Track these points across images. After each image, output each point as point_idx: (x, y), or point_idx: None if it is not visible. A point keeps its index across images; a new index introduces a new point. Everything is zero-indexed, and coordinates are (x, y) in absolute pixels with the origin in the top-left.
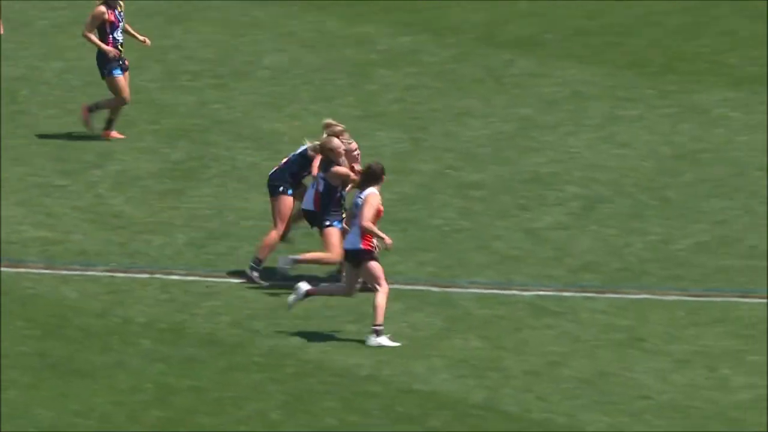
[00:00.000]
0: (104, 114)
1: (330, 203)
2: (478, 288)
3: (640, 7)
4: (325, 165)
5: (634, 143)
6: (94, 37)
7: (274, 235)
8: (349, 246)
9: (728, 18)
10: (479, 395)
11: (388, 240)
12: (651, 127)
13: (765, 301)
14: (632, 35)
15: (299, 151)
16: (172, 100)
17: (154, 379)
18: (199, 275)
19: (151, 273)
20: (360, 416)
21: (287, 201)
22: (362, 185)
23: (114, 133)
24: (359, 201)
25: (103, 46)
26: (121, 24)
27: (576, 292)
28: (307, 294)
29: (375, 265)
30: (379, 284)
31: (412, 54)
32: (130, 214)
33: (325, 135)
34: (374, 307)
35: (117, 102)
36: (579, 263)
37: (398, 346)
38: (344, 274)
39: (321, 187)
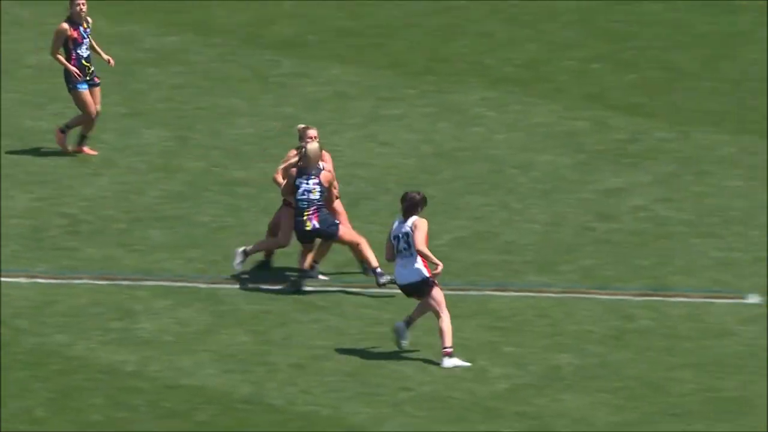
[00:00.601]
0: (77, 130)
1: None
2: (245, 284)
3: (401, 9)
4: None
5: (396, 142)
6: (61, 58)
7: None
8: (414, 278)
9: (485, 20)
10: (245, 389)
11: (440, 266)
12: (412, 126)
13: (519, 294)
14: (393, 36)
15: None
16: None
17: None
18: None
19: None
20: (126, 412)
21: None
22: (405, 214)
23: (87, 149)
24: (406, 230)
25: (70, 67)
26: (85, 40)
27: (341, 287)
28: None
29: (439, 292)
30: (443, 310)
31: (179, 53)
32: None
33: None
34: (442, 332)
35: (84, 117)
36: (343, 259)
37: (165, 342)
38: (416, 309)
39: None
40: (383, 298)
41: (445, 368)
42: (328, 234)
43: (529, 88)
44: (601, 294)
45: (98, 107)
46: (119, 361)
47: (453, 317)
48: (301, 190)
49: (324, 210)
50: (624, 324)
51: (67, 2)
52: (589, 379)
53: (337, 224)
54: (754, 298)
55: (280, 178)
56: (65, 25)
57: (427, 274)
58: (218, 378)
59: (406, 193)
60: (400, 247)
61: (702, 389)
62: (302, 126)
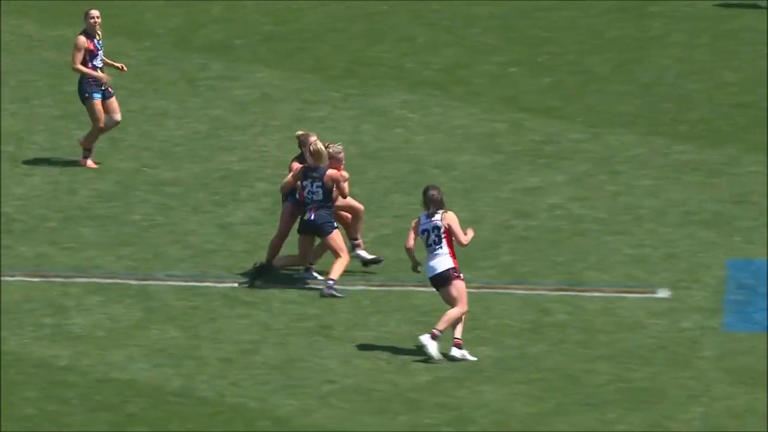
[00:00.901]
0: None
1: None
2: (174, 280)
3: (325, 14)
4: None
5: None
6: (83, 68)
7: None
8: (441, 269)
9: (407, 25)
10: (176, 382)
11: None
12: (336, 128)
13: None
14: (317, 41)
15: None
16: None
17: None
18: None
19: None
20: (59, 405)
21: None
22: (429, 208)
23: (90, 163)
24: (436, 223)
25: (95, 74)
26: (100, 52)
27: (268, 283)
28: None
29: (462, 284)
30: (464, 302)
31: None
32: None
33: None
34: (451, 320)
35: (95, 129)
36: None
37: (97, 337)
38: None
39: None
40: (309, 295)
41: (454, 357)
42: (320, 230)
43: (448, 91)
44: (518, 289)
45: (118, 116)
46: (52, 355)
47: (377, 312)
48: (306, 191)
49: (326, 209)
50: (541, 318)
51: (82, 16)
52: (508, 371)
53: (332, 227)
54: (663, 293)
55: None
56: (83, 38)
57: (453, 265)
58: (149, 372)
59: (427, 188)
60: (430, 241)
61: (615, 380)
62: (302, 133)
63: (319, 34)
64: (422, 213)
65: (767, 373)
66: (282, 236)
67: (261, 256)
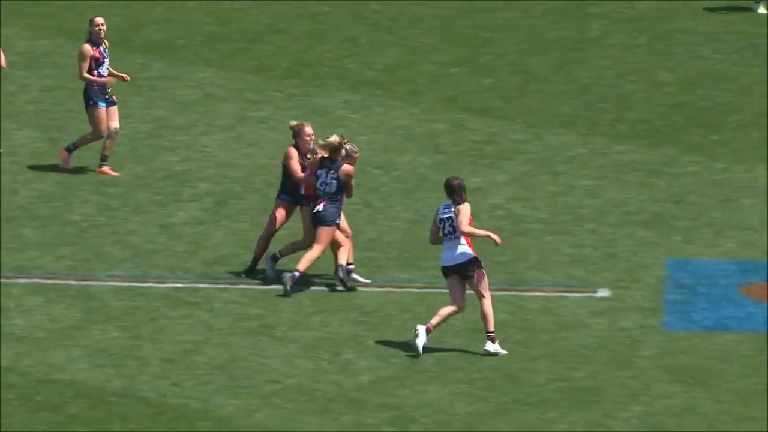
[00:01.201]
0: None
1: None
2: (115, 281)
3: (267, 14)
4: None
5: (262, 143)
6: (90, 76)
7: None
8: (460, 259)
9: (348, 26)
10: (117, 383)
11: (492, 235)
12: (278, 128)
13: (383, 290)
14: (260, 41)
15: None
16: None
17: None
18: None
19: None
20: None
21: (275, 203)
22: (450, 198)
23: (108, 170)
24: (450, 214)
25: (101, 80)
26: (106, 60)
27: (210, 283)
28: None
29: (483, 273)
30: (486, 292)
31: (49, 56)
32: None
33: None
34: (485, 316)
35: (94, 135)
36: (213, 256)
37: (37, 338)
38: (451, 293)
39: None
40: (251, 295)
41: (487, 351)
42: (322, 221)
43: (390, 91)
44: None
45: (117, 124)
46: None
47: (320, 312)
48: (319, 183)
49: (336, 203)
50: None
51: (87, 24)
52: (450, 371)
53: (336, 222)
54: (604, 292)
55: (300, 173)
56: (87, 45)
57: (473, 254)
58: (90, 372)
59: (447, 180)
60: (445, 231)
61: (556, 379)
62: (296, 123)
63: (261, 34)
64: (443, 203)
65: (706, 372)
66: (273, 233)
67: (203, 257)
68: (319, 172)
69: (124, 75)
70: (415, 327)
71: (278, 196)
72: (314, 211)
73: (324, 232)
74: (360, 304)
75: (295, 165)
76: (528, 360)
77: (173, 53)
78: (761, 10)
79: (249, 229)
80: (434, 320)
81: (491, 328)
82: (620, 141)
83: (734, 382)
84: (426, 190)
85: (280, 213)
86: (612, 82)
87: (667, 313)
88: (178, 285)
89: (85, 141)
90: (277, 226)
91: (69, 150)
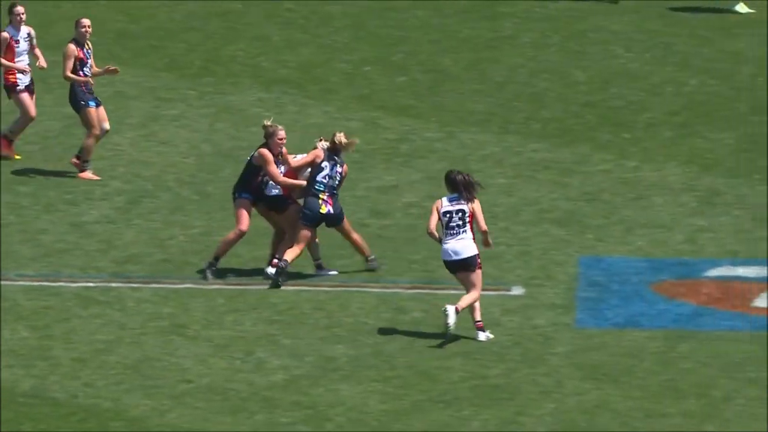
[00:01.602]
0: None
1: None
2: (26, 280)
3: (179, 12)
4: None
5: (175, 141)
6: (73, 76)
7: (232, 235)
8: (468, 253)
9: (261, 24)
10: (27, 383)
11: (490, 242)
12: (191, 126)
13: (297, 288)
14: (172, 39)
15: (246, 161)
16: None
17: None
18: None
19: None
20: None
21: (238, 202)
22: (454, 193)
23: (90, 174)
24: (462, 207)
25: (85, 79)
26: (89, 61)
27: (122, 282)
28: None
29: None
30: (479, 288)
31: None
32: None
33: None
34: (475, 306)
35: (92, 135)
36: (125, 255)
37: None
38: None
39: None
40: (163, 294)
41: (479, 341)
42: (337, 220)
43: (304, 89)
44: (374, 287)
45: (107, 125)
46: None
47: (233, 311)
48: (323, 174)
49: (336, 196)
50: (396, 316)
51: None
52: (363, 369)
53: (344, 214)
54: (517, 290)
55: (282, 177)
56: (72, 46)
57: (477, 251)
58: None
59: (452, 173)
60: (452, 223)
61: (470, 377)
62: (270, 123)
63: (174, 32)
64: (446, 196)
65: (617, 368)
66: (242, 234)
67: (115, 256)
68: (323, 164)
69: (107, 68)
70: (445, 307)
71: (240, 195)
72: (324, 213)
73: (348, 225)
74: (274, 302)
75: (275, 169)
76: (442, 358)
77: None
78: (741, 9)
79: (161, 227)
80: (461, 304)
81: (479, 317)
82: (534, 139)
83: (645, 379)
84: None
85: (246, 213)
86: (525, 80)
87: (579, 310)
88: (90, 284)
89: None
90: (246, 227)
91: (78, 158)
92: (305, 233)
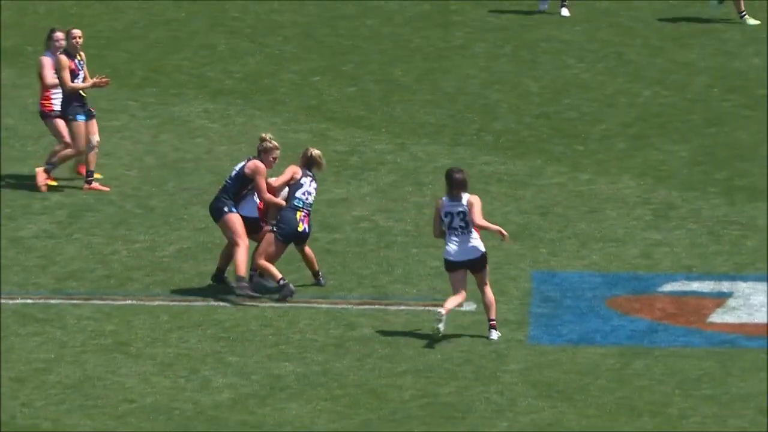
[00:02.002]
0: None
1: None
2: None
3: (121, 20)
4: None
5: (118, 153)
6: (75, 85)
7: (241, 252)
8: (474, 255)
9: (206, 33)
10: None
11: (505, 232)
12: (134, 138)
13: (244, 305)
14: (113, 48)
15: (234, 173)
16: None
17: None
18: None
19: None
20: None
21: (233, 217)
22: (453, 192)
23: (97, 185)
24: (462, 208)
25: (85, 84)
26: (81, 72)
27: (63, 299)
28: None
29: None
30: (488, 284)
31: None
32: None
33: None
34: (492, 304)
35: (71, 151)
36: (65, 271)
37: None
38: (454, 286)
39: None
40: (105, 310)
41: (491, 340)
42: (306, 238)
43: (250, 100)
44: (323, 303)
45: (97, 137)
46: None
47: (178, 328)
48: (302, 190)
49: (310, 216)
50: (346, 332)
51: (63, 35)
52: (312, 387)
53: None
54: (469, 306)
55: (268, 194)
56: (65, 58)
57: (484, 249)
58: None
59: (451, 171)
60: (455, 225)
61: (421, 395)
62: (269, 138)
63: (115, 41)
64: (444, 196)
65: (572, 386)
66: (248, 247)
67: (55, 272)
68: (302, 180)
69: (104, 80)
70: (438, 312)
71: (231, 210)
72: (300, 231)
73: (307, 249)
74: (220, 319)
75: (264, 183)
76: (392, 375)
77: (23, 60)
78: (751, 21)
79: (103, 242)
80: (446, 308)
81: (494, 315)
82: (486, 151)
83: (600, 397)
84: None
85: (242, 225)
86: (477, 91)
87: (533, 326)
88: (29, 301)
89: (61, 157)
90: (247, 240)
91: (48, 171)
92: (276, 251)
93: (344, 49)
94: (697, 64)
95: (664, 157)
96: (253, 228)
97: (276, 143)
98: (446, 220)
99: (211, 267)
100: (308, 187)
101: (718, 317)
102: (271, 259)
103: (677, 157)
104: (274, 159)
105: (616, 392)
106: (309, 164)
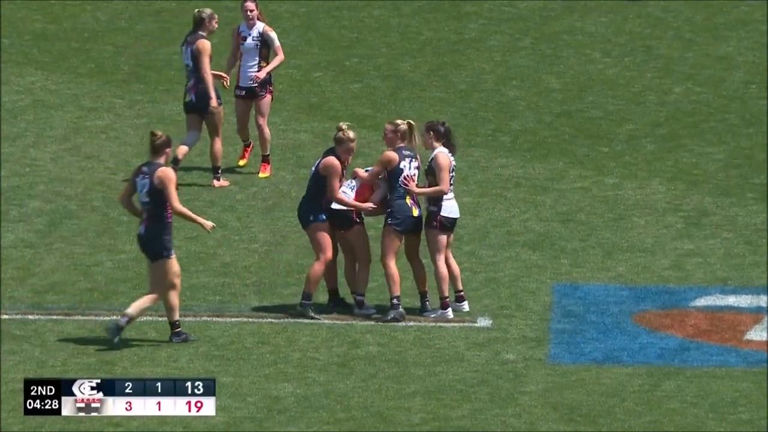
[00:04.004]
0: None
1: None
2: None
3: (106, 11)
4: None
5: (102, 155)
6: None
7: (317, 267)
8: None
9: None
10: None
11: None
12: (120, 138)
13: (238, 320)
14: (97, 41)
15: (312, 172)
16: None
17: None
18: None
19: None
20: None
21: (319, 227)
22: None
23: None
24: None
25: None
26: None
27: (42, 314)
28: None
29: None
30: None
31: None
32: None
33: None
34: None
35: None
36: (45, 283)
37: None
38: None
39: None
40: (88, 327)
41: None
42: (421, 225)
43: None
44: (325, 319)
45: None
46: None
47: (167, 346)
48: (404, 175)
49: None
50: (350, 350)
51: None
52: (313, 410)
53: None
54: (484, 321)
55: (340, 194)
56: None
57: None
58: None
59: (437, 125)
60: (451, 182)
61: (431, 418)
62: (345, 127)
63: (99, 33)
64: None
65: (596, 409)
66: (328, 262)
67: (33, 284)
68: (402, 165)
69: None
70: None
71: (316, 218)
72: (416, 216)
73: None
74: (213, 336)
75: (336, 184)
76: (400, 397)
77: None
78: None
79: (86, 252)
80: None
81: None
82: (502, 153)
83: (626, 421)
84: (287, 209)
85: (329, 238)
86: (493, 88)
87: (553, 344)
88: (5, 316)
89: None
90: (332, 254)
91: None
92: (396, 243)
93: (348, 42)
94: (734, 58)
95: (697, 160)
96: (342, 223)
97: (351, 134)
98: (452, 175)
99: (204, 278)
100: (409, 171)
101: (756, 334)
102: (395, 255)
103: (711, 159)
104: (349, 152)
105: (644, 416)
106: (403, 138)
